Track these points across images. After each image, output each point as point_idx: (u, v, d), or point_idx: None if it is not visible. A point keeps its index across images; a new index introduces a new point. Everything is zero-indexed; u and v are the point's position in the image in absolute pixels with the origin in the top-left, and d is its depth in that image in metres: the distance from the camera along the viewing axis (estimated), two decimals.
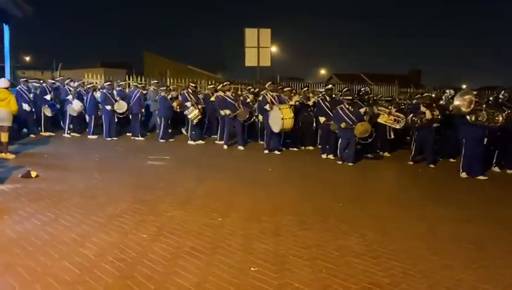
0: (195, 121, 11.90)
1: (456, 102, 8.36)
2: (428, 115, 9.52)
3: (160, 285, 3.49)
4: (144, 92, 13.47)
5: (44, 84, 12.74)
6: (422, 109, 9.69)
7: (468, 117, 8.25)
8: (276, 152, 10.77)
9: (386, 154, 11.06)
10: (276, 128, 10.47)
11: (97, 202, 5.81)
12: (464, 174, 8.56)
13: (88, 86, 13.06)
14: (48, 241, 4.33)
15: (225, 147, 11.53)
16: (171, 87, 14.20)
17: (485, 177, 8.47)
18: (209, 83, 17.66)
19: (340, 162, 9.63)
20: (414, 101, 12.32)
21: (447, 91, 11.39)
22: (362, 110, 10.25)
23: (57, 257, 3.95)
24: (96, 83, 14.18)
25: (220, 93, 12.13)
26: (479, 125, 8.34)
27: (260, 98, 11.85)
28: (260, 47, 17.25)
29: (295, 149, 11.51)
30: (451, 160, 10.33)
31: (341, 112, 9.65)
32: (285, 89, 12.15)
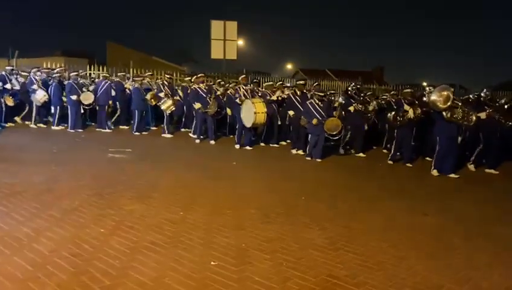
0: (168, 112, 11.67)
1: (433, 97, 8.17)
2: (411, 113, 9.29)
3: (117, 280, 3.39)
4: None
5: (3, 73, 12.15)
6: (406, 107, 9.41)
7: (444, 114, 8.13)
8: (248, 147, 10.53)
9: (361, 154, 10.49)
10: (248, 123, 10.16)
11: (53, 195, 5.59)
12: (435, 172, 8.48)
13: (54, 75, 12.59)
14: None
15: (197, 141, 11.17)
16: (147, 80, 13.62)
17: (456, 176, 8.44)
18: (178, 75, 17.38)
19: (308, 158, 9.49)
20: (384, 97, 12.01)
21: (427, 88, 11.06)
22: (351, 108, 10.14)
23: (8, 253, 3.77)
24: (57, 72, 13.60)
25: (194, 85, 11.73)
26: (453, 122, 8.24)
27: (231, 92, 11.70)
28: (226, 40, 17.15)
29: (263, 145, 11.25)
30: (428, 159, 9.99)
31: (311, 108, 9.46)
32: (266, 84, 11.84)
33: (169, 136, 11.82)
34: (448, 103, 8.00)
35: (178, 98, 12.43)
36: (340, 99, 10.86)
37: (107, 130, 12.20)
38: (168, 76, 12.90)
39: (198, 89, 11.19)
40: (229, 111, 11.76)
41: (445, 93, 8.05)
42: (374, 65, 41.66)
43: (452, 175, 8.44)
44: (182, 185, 6.62)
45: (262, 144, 11.25)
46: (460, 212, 6.12)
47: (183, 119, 13.16)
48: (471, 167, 9.31)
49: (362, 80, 19.28)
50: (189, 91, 12.16)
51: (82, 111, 12.20)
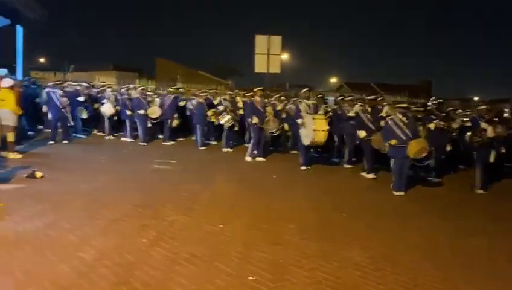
0: (227, 126, 11.55)
1: None
2: (490, 132, 7.97)
3: None
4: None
5: (78, 88, 12.88)
6: (483, 125, 8.11)
7: None
8: (303, 167, 9.63)
9: (437, 179, 9.07)
10: (306, 141, 9.29)
11: (99, 204, 5.80)
12: None
13: (122, 90, 13.23)
14: (47, 243, 4.32)
15: (248, 159, 10.38)
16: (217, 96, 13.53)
17: None
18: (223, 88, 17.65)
19: (399, 193, 7.66)
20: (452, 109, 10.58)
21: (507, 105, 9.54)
22: (432, 126, 8.75)
23: (55, 259, 3.94)
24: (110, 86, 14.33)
25: (251, 99, 11.10)
26: None
27: (291, 107, 11.32)
28: (270, 54, 17.25)
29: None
30: None
31: (393, 126, 7.75)
32: (346, 98, 11.00)
33: (227, 150, 11.74)
34: None
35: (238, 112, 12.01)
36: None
37: (170, 143, 12.39)
38: (230, 92, 12.79)
39: (254, 102, 10.61)
40: (286, 127, 11.45)
41: None
42: (421, 78, 40.58)
43: None
44: (223, 197, 6.68)
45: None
46: (503, 231, 5.77)
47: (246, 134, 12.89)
48: None
49: (408, 93, 18.80)
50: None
51: (149, 125, 12.54)
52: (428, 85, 39.56)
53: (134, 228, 4.94)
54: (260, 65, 17.32)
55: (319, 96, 11.79)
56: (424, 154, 7.48)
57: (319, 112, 9.78)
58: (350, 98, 11.03)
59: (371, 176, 9.02)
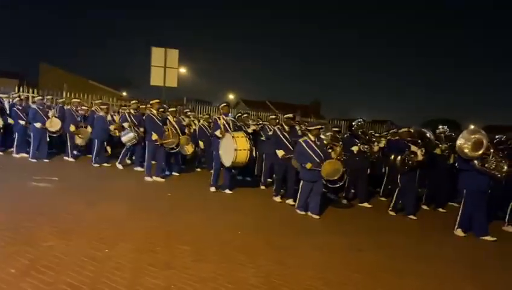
0: (128, 144, 10.63)
1: (460, 141, 6.79)
2: (420, 156, 7.94)
3: None
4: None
5: None
6: (414, 148, 8.02)
7: (476, 162, 6.70)
8: (227, 191, 8.89)
9: (366, 204, 8.95)
10: (227, 161, 8.52)
11: None
12: (459, 231, 7.04)
13: (15, 100, 11.68)
14: None
15: (149, 179, 9.56)
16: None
17: (493, 239, 6.84)
18: (115, 100, 16.68)
19: (302, 212, 7.58)
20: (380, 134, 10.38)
21: (440, 127, 9.43)
22: (355, 149, 8.75)
23: None
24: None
25: (147, 111, 10.10)
26: (485, 173, 6.77)
27: (204, 123, 11.07)
28: (167, 67, 16.92)
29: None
30: (441, 210, 9.21)
31: (305, 147, 7.58)
32: (270, 117, 10.46)
33: (121, 167, 10.97)
34: (480, 151, 6.63)
35: (143, 129, 10.35)
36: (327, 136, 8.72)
37: (71, 159, 11.41)
38: (135, 103, 11.43)
39: (153, 116, 9.66)
40: (201, 144, 11.08)
41: (476, 137, 6.71)
42: (312, 99, 43.25)
43: (487, 238, 6.87)
44: (110, 218, 6.16)
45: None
46: (396, 248, 6.14)
47: None
48: (509, 228, 7.90)
49: (300, 113, 19.69)
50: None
51: (48, 139, 11.24)
52: (318, 106, 42.17)
53: (1, 257, 4.27)
54: (156, 78, 16.89)
55: (245, 114, 11.30)
56: (337, 176, 7.38)
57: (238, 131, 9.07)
58: (273, 116, 10.43)
59: (277, 199, 8.67)
